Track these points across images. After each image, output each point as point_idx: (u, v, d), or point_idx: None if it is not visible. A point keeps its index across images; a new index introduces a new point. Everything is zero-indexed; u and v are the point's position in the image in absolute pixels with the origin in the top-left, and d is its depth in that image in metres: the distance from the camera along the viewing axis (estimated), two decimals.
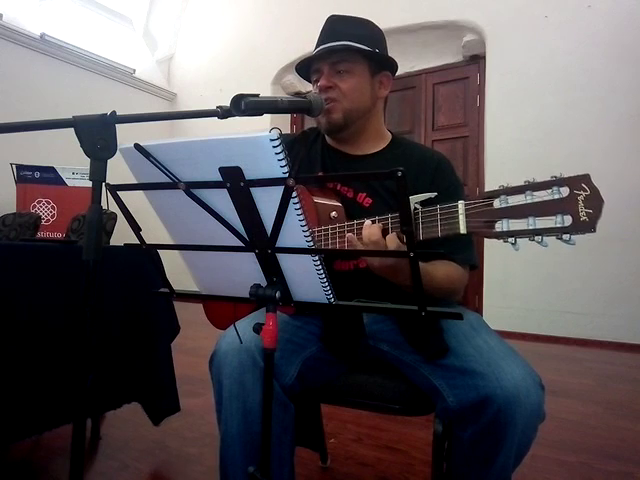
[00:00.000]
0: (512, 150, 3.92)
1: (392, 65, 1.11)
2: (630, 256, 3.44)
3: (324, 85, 1.05)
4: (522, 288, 3.83)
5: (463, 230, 0.72)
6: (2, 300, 1.19)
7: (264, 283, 0.71)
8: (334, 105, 1.05)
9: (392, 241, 0.79)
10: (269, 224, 0.64)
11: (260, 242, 0.66)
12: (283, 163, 0.57)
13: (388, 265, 0.84)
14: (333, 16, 1.10)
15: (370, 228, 0.81)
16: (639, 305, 3.40)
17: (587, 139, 3.64)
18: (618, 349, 3.40)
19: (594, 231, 0.62)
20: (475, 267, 1.07)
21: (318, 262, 0.65)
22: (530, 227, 0.66)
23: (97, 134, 0.64)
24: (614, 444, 1.75)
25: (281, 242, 0.65)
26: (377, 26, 1.11)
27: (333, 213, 0.97)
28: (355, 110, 1.07)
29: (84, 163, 0.65)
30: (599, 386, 2.53)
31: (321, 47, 1.06)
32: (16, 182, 4.28)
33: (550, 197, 0.65)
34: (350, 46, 1.03)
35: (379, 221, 0.83)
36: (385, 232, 0.81)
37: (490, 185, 4.03)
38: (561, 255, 3.55)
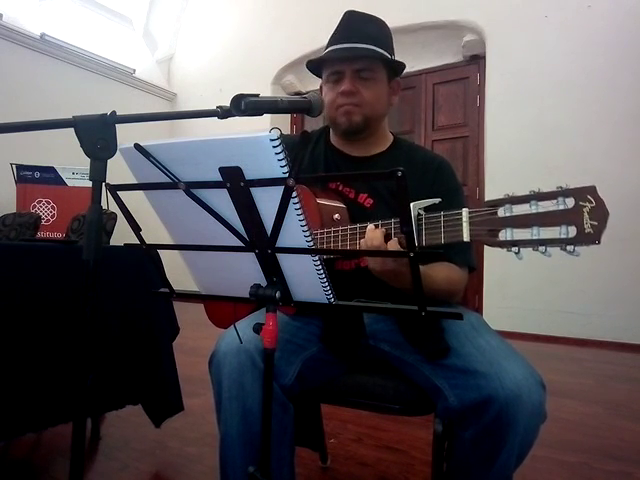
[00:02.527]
0: (512, 150, 3.92)
1: (402, 71, 1.11)
2: (630, 256, 3.44)
3: (348, 90, 1.03)
4: (522, 288, 3.83)
5: (466, 238, 0.72)
6: (2, 300, 1.20)
7: (264, 283, 0.70)
8: (355, 109, 1.05)
9: (393, 247, 0.79)
10: (269, 224, 0.64)
11: (260, 242, 0.66)
12: (283, 163, 0.57)
13: (389, 269, 0.85)
14: (352, 12, 1.08)
15: (372, 232, 0.81)
16: (638, 305, 3.40)
17: (587, 139, 3.64)
18: (618, 349, 3.40)
19: (599, 243, 0.62)
20: (473, 269, 1.07)
21: (318, 262, 0.65)
22: (534, 237, 0.65)
23: (97, 134, 0.64)
24: (614, 444, 1.75)
25: (281, 242, 0.65)
26: (388, 26, 1.10)
27: (336, 215, 0.97)
28: (374, 117, 1.08)
29: (84, 163, 0.65)
30: (599, 386, 2.53)
31: (344, 46, 1.04)
32: (16, 182, 4.28)
33: (555, 207, 0.64)
34: (375, 52, 1.02)
35: (382, 225, 0.83)
36: (388, 237, 0.81)
37: (490, 185, 4.03)
38: (561, 255, 3.53)
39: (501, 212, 0.69)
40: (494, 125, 4.07)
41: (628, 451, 1.69)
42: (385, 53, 1.04)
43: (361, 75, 1.04)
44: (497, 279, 3.84)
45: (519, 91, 3.95)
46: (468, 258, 1.04)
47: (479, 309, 3.88)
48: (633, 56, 3.51)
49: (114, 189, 0.69)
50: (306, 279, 0.68)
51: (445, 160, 1.13)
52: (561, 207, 0.64)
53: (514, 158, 3.88)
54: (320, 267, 0.65)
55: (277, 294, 0.69)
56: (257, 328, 0.70)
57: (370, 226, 0.83)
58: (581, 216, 0.63)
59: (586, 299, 3.58)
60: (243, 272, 0.72)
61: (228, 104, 0.71)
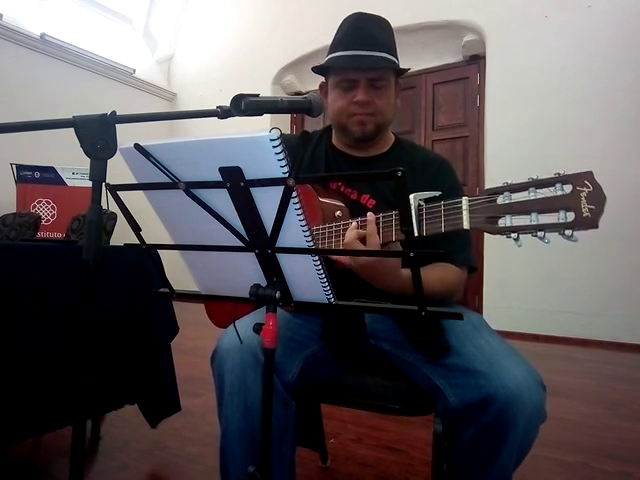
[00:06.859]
0: (512, 150, 3.92)
1: (403, 74, 1.12)
2: (630, 256, 3.44)
3: (364, 100, 1.03)
4: (522, 288, 3.83)
5: (467, 226, 0.72)
6: (2, 300, 1.19)
7: (264, 283, 0.71)
8: (369, 118, 1.05)
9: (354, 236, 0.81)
10: (269, 224, 0.64)
11: (260, 242, 0.66)
12: (283, 163, 0.57)
13: (366, 264, 0.84)
14: (361, 15, 1.06)
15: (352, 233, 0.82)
16: (639, 305, 3.40)
17: (587, 139, 3.63)
18: (618, 349, 3.40)
19: (596, 227, 0.62)
20: (474, 270, 1.07)
21: (318, 262, 0.65)
22: (533, 223, 0.66)
23: (97, 134, 0.64)
24: (614, 444, 1.75)
25: (281, 242, 0.65)
26: (391, 26, 1.09)
27: (338, 212, 0.98)
28: (386, 124, 1.09)
29: (84, 163, 0.65)
30: (599, 386, 2.53)
31: (358, 53, 1.02)
32: (16, 182, 4.29)
33: (553, 194, 0.65)
34: (391, 62, 1.03)
35: (383, 218, 0.83)
36: (387, 233, 0.81)
37: (490, 185, 4.01)
38: (561, 255, 3.55)
39: (500, 200, 0.69)
40: (494, 125, 4.07)
41: (628, 451, 1.69)
42: (396, 60, 1.05)
43: (375, 84, 1.04)
44: (497, 279, 3.84)
45: (519, 91, 3.95)
46: (469, 257, 1.04)
47: (479, 309, 3.87)
48: (633, 56, 3.51)
49: (114, 189, 0.69)
50: (306, 279, 0.68)
51: (446, 160, 1.13)
52: (559, 193, 0.65)
53: (514, 158, 3.88)
54: (320, 267, 0.65)
55: (277, 294, 0.69)
56: (257, 328, 0.70)
57: (370, 214, 0.83)
58: (579, 201, 0.63)
59: (586, 299, 3.58)
60: (243, 272, 0.72)
61: (228, 104, 0.71)
